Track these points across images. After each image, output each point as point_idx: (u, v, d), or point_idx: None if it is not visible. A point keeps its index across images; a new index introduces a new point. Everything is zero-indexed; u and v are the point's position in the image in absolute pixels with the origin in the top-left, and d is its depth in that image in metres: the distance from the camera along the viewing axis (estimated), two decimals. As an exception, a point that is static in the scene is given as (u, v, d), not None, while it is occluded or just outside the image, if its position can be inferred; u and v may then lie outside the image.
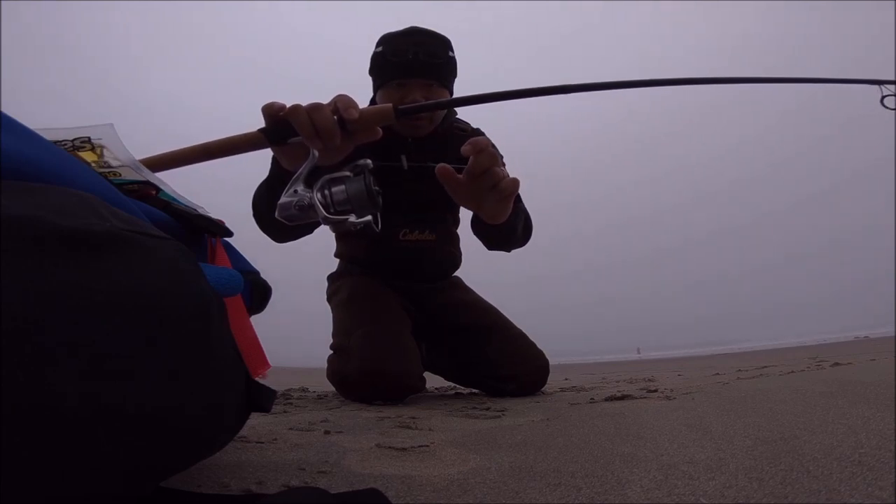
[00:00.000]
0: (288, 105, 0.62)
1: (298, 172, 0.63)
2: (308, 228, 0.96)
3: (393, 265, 1.25)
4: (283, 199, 0.62)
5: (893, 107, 0.84)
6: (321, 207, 0.60)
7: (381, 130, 0.66)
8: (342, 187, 0.62)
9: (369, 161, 0.64)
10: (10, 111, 0.31)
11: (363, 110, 0.64)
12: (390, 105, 0.65)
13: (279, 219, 0.62)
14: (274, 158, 0.78)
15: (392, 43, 1.06)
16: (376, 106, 0.66)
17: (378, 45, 1.10)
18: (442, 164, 0.69)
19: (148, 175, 0.47)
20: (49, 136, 0.36)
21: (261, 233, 0.98)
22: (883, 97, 0.84)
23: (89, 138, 0.48)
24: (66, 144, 0.47)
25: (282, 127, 0.63)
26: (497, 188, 0.70)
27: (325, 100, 0.65)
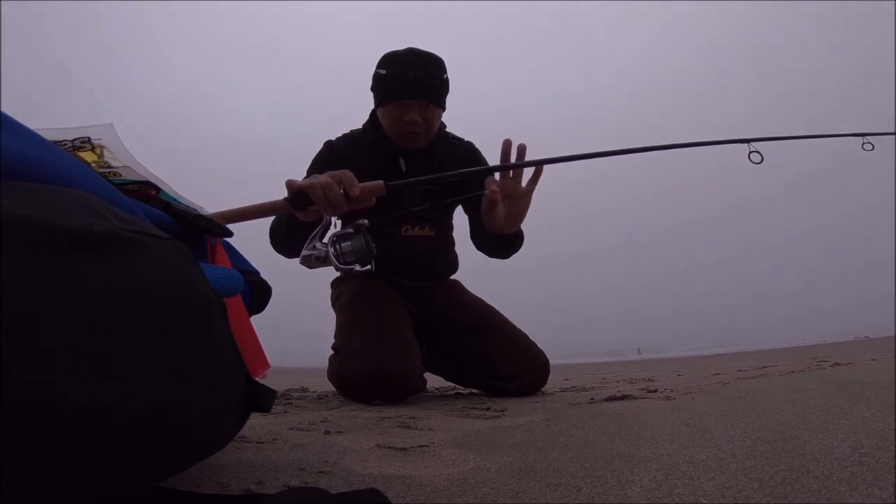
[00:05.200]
0: (304, 182, 0.80)
1: (315, 232, 0.87)
2: None
3: (396, 258, 1.26)
4: (305, 252, 0.86)
5: (758, 161, 0.97)
6: (335, 259, 0.85)
7: (374, 199, 0.85)
8: (349, 244, 0.87)
9: (365, 221, 0.89)
10: (11, 111, 0.31)
11: (361, 186, 0.83)
12: (381, 182, 0.84)
13: (302, 265, 0.87)
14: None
15: (393, 65, 1.15)
16: (370, 183, 0.84)
17: (380, 66, 1.17)
18: (492, 190, 0.93)
19: (148, 175, 0.47)
20: (49, 136, 0.36)
21: (261, 235, 1.06)
22: (749, 153, 0.97)
23: (89, 138, 0.48)
24: (66, 144, 0.47)
25: (301, 198, 0.81)
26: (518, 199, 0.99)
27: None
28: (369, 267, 0.86)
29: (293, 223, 0.96)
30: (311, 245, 0.86)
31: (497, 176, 0.97)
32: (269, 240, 1.13)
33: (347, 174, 0.82)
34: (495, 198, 0.94)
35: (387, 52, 1.18)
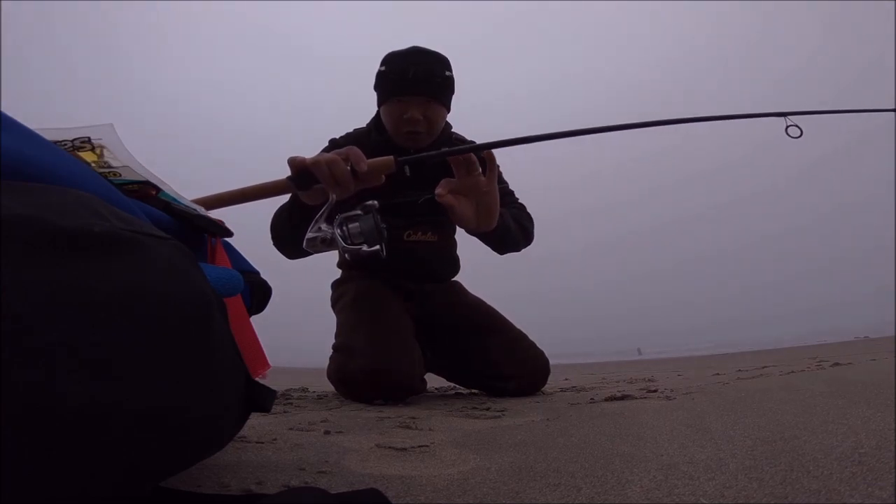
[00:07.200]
0: (308, 158, 0.75)
1: (321, 213, 0.77)
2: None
3: (398, 264, 1.26)
4: (310, 234, 0.76)
5: (797, 136, 0.90)
6: (341, 240, 0.76)
7: (384, 177, 0.79)
8: (357, 224, 0.77)
9: (376, 202, 0.79)
10: (11, 111, 0.31)
11: (370, 162, 0.76)
12: (391, 158, 0.79)
13: (306, 249, 0.76)
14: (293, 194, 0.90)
15: (394, 62, 1.14)
16: (379, 158, 0.79)
17: (382, 63, 1.16)
18: (438, 193, 0.86)
19: (148, 175, 0.47)
20: (49, 136, 0.36)
21: (261, 235, 1.04)
22: (787, 127, 0.91)
23: (89, 138, 0.48)
24: (66, 144, 0.47)
25: (305, 176, 0.75)
26: (483, 194, 0.90)
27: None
28: (378, 247, 0.77)
29: (297, 211, 0.90)
30: (315, 227, 0.77)
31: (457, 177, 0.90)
32: (270, 239, 1.07)
33: (354, 150, 0.76)
34: (442, 201, 0.87)
35: (390, 51, 1.17)
